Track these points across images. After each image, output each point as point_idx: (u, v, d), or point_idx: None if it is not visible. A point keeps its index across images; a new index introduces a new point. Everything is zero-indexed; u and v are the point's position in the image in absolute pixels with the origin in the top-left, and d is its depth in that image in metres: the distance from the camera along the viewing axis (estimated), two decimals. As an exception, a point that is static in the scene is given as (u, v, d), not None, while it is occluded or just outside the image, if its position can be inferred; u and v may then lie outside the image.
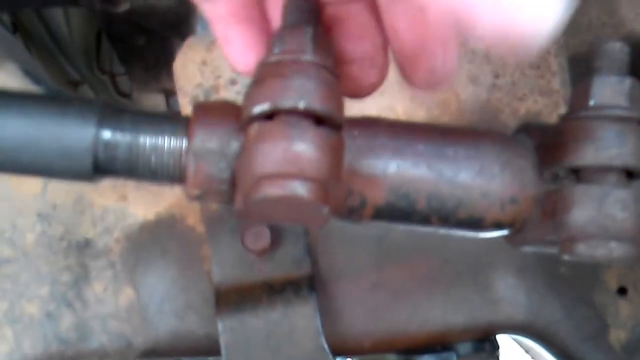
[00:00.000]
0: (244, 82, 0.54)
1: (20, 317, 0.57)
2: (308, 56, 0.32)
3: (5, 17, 0.99)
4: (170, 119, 0.35)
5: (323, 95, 0.31)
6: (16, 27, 1.06)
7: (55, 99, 0.35)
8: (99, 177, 0.35)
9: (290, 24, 0.33)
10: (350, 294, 0.55)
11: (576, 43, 0.62)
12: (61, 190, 0.58)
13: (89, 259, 0.57)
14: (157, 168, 0.34)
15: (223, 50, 0.38)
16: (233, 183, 0.34)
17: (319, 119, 0.31)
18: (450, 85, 0.54)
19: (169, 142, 0.34)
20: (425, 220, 0.35)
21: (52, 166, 0.34)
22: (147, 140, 0.34)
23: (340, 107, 0.32)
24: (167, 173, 0.35)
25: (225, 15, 0.36)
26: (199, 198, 0.34)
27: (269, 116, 0.32)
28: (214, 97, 0.54)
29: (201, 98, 0.54)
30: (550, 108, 0.54)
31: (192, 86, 0.55)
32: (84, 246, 0.58)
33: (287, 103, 0.31)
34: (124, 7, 1.17)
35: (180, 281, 0.57)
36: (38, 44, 1.11)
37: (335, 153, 0.32)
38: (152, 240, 0.57)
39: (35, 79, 0.59)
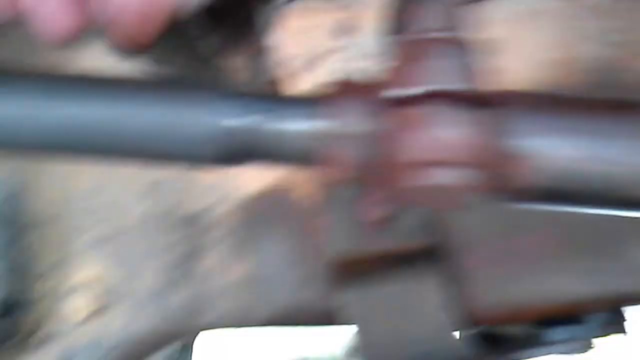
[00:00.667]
0: (348, 49, 0.53)
1: (130, 293, 0.58)
2: (451, 33, 0.31)
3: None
4: (300, 102, 0.34)
5: (473, 75, 0.30)
6: None
7: (182, 85, 0.35)
8: (231, 164, 0.35)
9: (429, 2, 0.32)
10: (477, 265, 0.53)
11: None
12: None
13: (197, 233, 0.57)
14: (289, 153, 0.34)
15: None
16: (372, 167, 0.33)
17: (470, 101, 0.30)
18: (569, 44, 0.52)
19: (300, 126, 0.34)
20: (582, 201, 0.34)
21: (181, 154, 0.34)
22: (279, 125, 0.34)
23: (488, 84, 0.31)
24: (302, 157, 0.34)
25: None
26: (336, 182, 0.34)
27: (415, 99, 0.30)
28: (317, 67, 0.53)
29: (303, 68, 0.53)
30: None
31: (293, 57, 0.54)
32: (192, 221, 0.57)
33: (432, 86, 0.30)
34: (203, -29, 1.15)
35: (293, 253, 0.56)
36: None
37: (487, 135, 0.30)
38: (261, 213, 0.56)
39: (129, 55, 0.57)
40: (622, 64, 0.51)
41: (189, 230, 0.57)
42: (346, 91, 0.34)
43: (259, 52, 1.32)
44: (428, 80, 0.30)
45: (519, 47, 0.52)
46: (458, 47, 0.31)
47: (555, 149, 0.32)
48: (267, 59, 1.34)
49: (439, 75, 0.30)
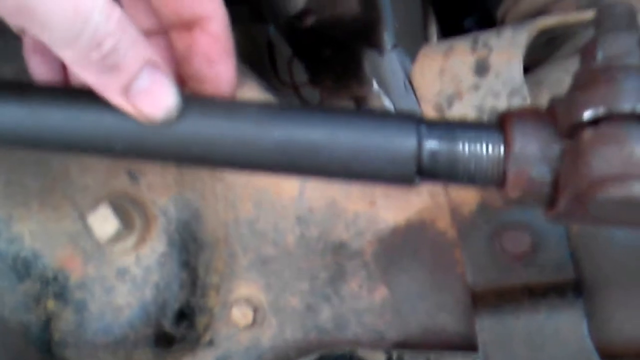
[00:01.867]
0: (487, 87, 0.55)
1: (284, 308, 0.64)
2: (636, 59, 0.34)
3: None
4: (484, 127, 0.39)
5: None
6: None
7: (376, 112, 0.41)
8: (421, 181, 0.40)
9: (611, 29, 0.35)
10: (618, 299, 0.55)
11: None
12: (316, 196, 0.63)
13: (344, 259, 0.63)
14: (476, 173, 0.38)
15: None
16: (554, 186, 0.36)
17: None
18: None
19: (487, 149, 0.38)
20: None
21: (379, 172, 0.40)
22: (466, 148, 0.38)
23: None
24: (486, 177, 0.38)
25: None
26: (518, 201, 0.37)
27: (601, 120, 0.33)
28: (457, 103, 0.56)
29: (444, 105, 0.56)
30: None
31: (433, 94, 0.56)
32: (339, 247, 0.63)
33: (623, 107, 0.33)
34: (310, 21, 1.23)
35: (432, 282, 0.60)
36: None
37: None
38: (403, 243, 0.61)
39: (274, 93, 0.65)
40: None
41: (336, 256, 0.63)
42: (524, 117, 0.38)
43: (364, 98, 1.38)
44: (617, 101, 0.33)
45: None
46: None
47: None
48: (373, 104, 1.38)
49: (629, 97, 0.33)
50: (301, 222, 0.64)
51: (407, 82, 1.31)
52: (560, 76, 0.59)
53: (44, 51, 0.49)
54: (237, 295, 0.65)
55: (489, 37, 0.55)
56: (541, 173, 0.36)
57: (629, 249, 0.55)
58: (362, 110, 0.43)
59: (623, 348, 0.55)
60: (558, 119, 0.36)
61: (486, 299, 0.55)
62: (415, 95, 0.59)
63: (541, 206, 0.39)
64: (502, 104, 0.54)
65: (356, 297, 0.62)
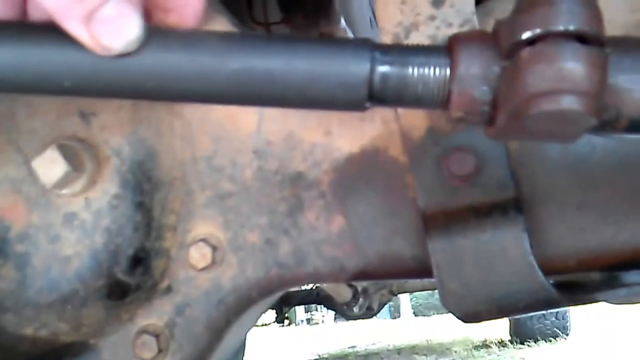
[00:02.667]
0: (442, 17, 0.57)
1: (243, 245, 0.64)
2: None
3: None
4: (433, 50, 0.40)
5: (589, 17, 0.35)
6: None
7: (331, 41, 0.42)
8: (371, 106, 0.41)
9: None
10: (555, 215, 0.57)
11: None
12: (273, 129, 0.63)
13: (301, 190, 0.63)
14: (423, 95, 0.40)
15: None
16: (495, 104, 0.38)
17: (585, 39, 0.35)
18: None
19: (434, 71, 0.39)
20: None
21: (332, 98, 0.41)
22: (414, 71, 0.39)
23: (602, 26, 0.36)
24: (432, 99, 0.40)
25: None
26: (461, 120, 0.39)
27: (536, 40, 0.35)
28: (414, 34, 0.57)
29: (402, 35, 0.57)
30: None
31: (392, 25, 0.57)
32: (296, 179, 0.63)
33: (557, 26, 0.35)
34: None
35: (387, 208, 0.61)
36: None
37: (601, 69, 0.35)
38: (359, 171, 0.62)
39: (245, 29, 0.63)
40: None
41: (294, 188, 0.63)
42: (470, 40, 0.39)
43: (332, 34, 1.36)
44: (552, 22, 0.35)
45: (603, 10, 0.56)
46: None
47: None
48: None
49: (563, 18, 0.35)
50: (259, 155, 0.64)
51: (372, 19, 1.29)
52: (508, 7, 0.59)
53: None
54: (195, 235, 0.65)
55: None
56: (482, 92, 0.38)
57: (563, 165, 0.57)
58: (320, 39, 0.44)
59: (562, 262, 0.57)
60: (500, 41, 0.38)
61: (436, 222, 0.56)
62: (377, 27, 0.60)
63: (483, 124, 0.41)
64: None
65: (314, 228, 0.63)
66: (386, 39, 0.58)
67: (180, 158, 0.65)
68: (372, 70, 0.40)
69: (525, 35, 0.36)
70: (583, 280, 0.60)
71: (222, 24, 0.63)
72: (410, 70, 0.39)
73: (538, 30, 0.35)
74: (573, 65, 0.34)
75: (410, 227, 0.60)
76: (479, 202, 0.56)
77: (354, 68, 0.40)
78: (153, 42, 0.43)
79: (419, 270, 0.60)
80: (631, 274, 0.55)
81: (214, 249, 0.64)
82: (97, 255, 0.63)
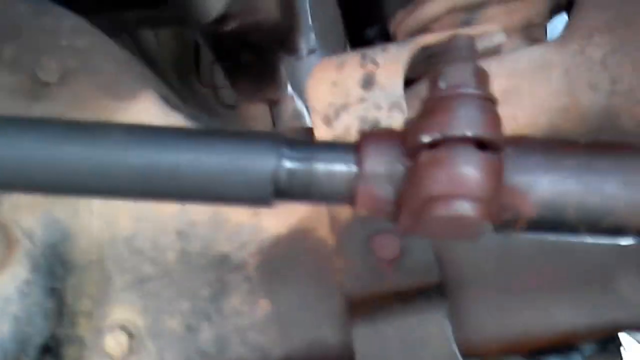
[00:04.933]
0: (372, 100, 0.57)
1: (162, 332, 0.61)
2: (471, 89, 0.37)
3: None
4: (341, 147, 0.40)
5: (486, 123, 0.36)
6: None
7: (238, 134, 0.41)
8: (276, 203, 0.40)
9: (453, 60, 0.38)
10: (478, 299, 0.57)
11: None
12: (198, 208, 0.62)
13: (226, 273, 0.61)
14: (329, 192, 0.40)
15: None
16: (398, 203, 0.38)
17: (482, 145, 0.36)
18: (571, 92, 0.57)
19: (340, 169, 0.39)
20: (573, 230, 0.39)
21: (238, 195, 0.40)
22: (321, 168, 0.39)
23: (500, 131, 0.37)
24: (338, 196, 0.40)
25: None
26: (366, 216, 0.41)
27: (437, 144, 0.36)
28: (344, 115, 0.57)
29: (332, 116, 0.57)
30: None
31: (323, 105, 0.58)
32: (221, 261, 0.61)
33: (454, 132, 0.36)
34: (231, 26, 1.21)
35: (314, 292, 0.59)
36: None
37: (496, 173, 0.36)
38: (286, 253, 0.60)
39: (173, 105, 0.61)
40: (618, 110, 0.56)
41: (219, 271, 0.61)
42: (378, 138, 0.40)
43: (278, 101, 1.36)
44: (450, 127, 0.36)
45: (528, 95, 0.57)
46: (477, 99, 0.37)
47: (547, 183, 0.38)
48: (286, 108, 1.38)
49: (461, 124, 0.36)
50: (182, 236, 0.62)
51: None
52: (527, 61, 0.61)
53: None
54: (112, 321, 0.62)
55: (375, 53, 0.58)
56: (387, 191, 0.38)
57: (486, 249, 0.57)
58: (227, 132, 0.43)
59: (484, 347, 0.57)
60: (407, 141, 0.39)
61: (362, 307, 0.55)
62: (307, 107, 0.60)
63: (390, 222, 0.41)
64: (383, 116, 0.57)
65: (238, 313, 0.61)
66: (316, 119, 0.58)
67: (98, 239, 0.63)
68: (278, 166, 0.39)
69: (426, 138, 0.37)
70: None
71: (148, 99, 0.62)
72: (317, 166, 0.40)
73: (437, 135, 0.36)
74: (468, 171, 0.35)
75: (337, 313, 0.58)
76: (404, 287, 0.55)
77: (260, 164, 0.39)
78: (53, 132, 0.41)
79: (346, 358, 0.57)
80: (551, 359, 0.54)
81: (131, 336, 0.60)
82: (3, 345, 0.60)
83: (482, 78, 0.38)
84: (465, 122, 0.36)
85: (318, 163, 0.39)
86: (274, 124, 1.32)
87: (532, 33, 0.63)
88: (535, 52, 0.57)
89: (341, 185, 0.39)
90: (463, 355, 0.53)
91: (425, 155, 0.36)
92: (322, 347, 0.58)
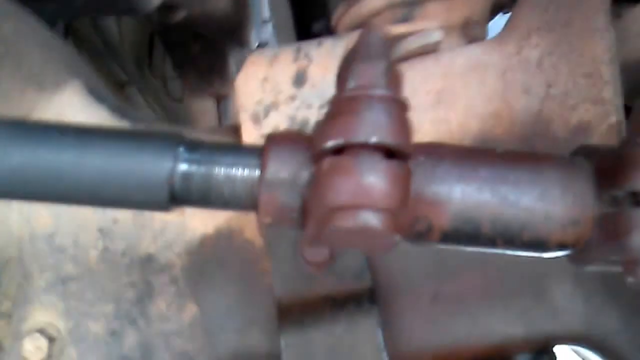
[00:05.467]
0: (303, 98, 0.56)
1: (85, 336, 0.59)
2: (380, 90, 0.34)
3: (59, 23, 1.01)
4: (244, 151, 0.38)
5: (393, 128, 0.34)
6: (68, 32, 1.08)
7: (134, 133, 0.38)
8: (174, 207, 0.38)
9: (363, 59, 0.35)
10: (409, 307, 0.55)
11: (627, 51, 0.62)
12: None
13: (151, 275, 0.59)
14: (230, 198, 0.37)
15: None
16: (304, 211, 0.36)
17: (388, 151, 0.33)
18: (504, 96, 0.55)
19: (242, 173, 0.36)
20: (490, 242, 0.37)
21: (130, 198, 0.37)
22: (221, 172, 0.37)
23: (408, 137, 0.35)
24: (240, 202, 0.37)
25: None
26: (270, 225, 0.37)
27: (341, 150, 0.34)
28: (273, 113, 0.55)
29: (261, 114, 0.56)
30: (600, 117, 0.54)
31: (252, 102, 0.56)
32: (146, 261, 0.59)
33: (358, 138, 0.33)
34: (180, 16, 1.18)
35: (242, 296, 0.57)
36: (88, 47, 1.13)
37: (404, 183, 0.34)
38: (213, 254, 0.58)
39: (99, 97, 0.58)
40: (551, 115, 0.55)
41: (144, 272, 0.58)
42: (284, 141, 0.37)
43: (226, 96, 1.33)
44: (354, 133, 0.33)
45: (461, 98, 0.56)
46: (385, 102, 0.34)
47: (460, 194, 0.36)
48: (233, 102, 1.35)
49: (366, 129, 0.33)
50: (104, 234, 0.59)
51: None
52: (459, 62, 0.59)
53: None
54: (32, 324, 0.59)
55: (310, 47, 0.56)
56: (290, 198, 0.36)
57: (419, 255, 0.56)
58: (123, 131, 0.40)
59: (416, 357, 0.55)
60: (313, 146, 0.36)
61: (291, 312, 0.53)
62: (235, 103, 0.58)
63: (297, 230, 0.38)
64: (313, 115, 0.55)
65: (164, 318, 0.58)
66: (245, 117, 0.55)
67: (18, 236, 0.59)
68: (174, 169, 0.36)
69: (329, 144, 0.34)
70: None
71: (73, 91, 0.59)
72: (216, 170, 0.37)
73: (341, 140, 0.34)
74: (372, 180, 0.33)
75: (266, 317, 0.56)
76: (334, 291, 0.53)
77: (154, 166, 0.36)
78: None
79: None
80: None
81: (52, 340, 0.57)
82: None
83: (393, 79, 0.35)
84: (371, 128, 0.33)
85: (217, 166, 0.37)
86: (220, 119, 1.30)
87: (472, 31, 0.62)
88: (472, 52, 0.56)
89: (242, 191, 0.36)
90: None
91: (328, 162, 0.34)
92: (249, 353, 0.56)
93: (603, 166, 0.37)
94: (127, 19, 1.30)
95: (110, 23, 1.25)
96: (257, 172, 0.36)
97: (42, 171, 0.37)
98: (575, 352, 0.66)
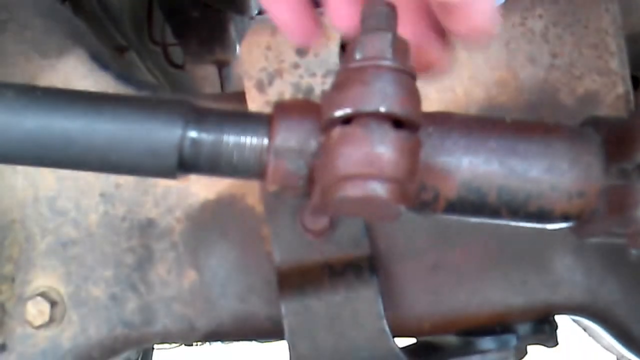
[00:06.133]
0: (306, 66, 0.56)
1: (86, 301, 0.59)
2: (388, 61, 0.34)
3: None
4: (252, 118, 0.38)
5: (402, 98, 0.33)
6: None
7: (144, 100, 0.38)
8: (182, 174, 0.38)
9: (370, 29, 0.35)
10: (410, 275, 0.56)
11: (633, 22, 0.61)
12: None
13: (152, 240, 0.59)
14: (238, 165, 0.37)
15: (329, 11, 0.40)
16: (310, 179, 0.36)
17: (397, 121, 0.33)
18: (509, 64, 0.56)
19: (250, 141, 0.37)
20: (495, 213, 0.38)
21: (139, 164, 0.37)
22: (230, 139, 0.37)
23: (418, 107, 0.34)
24: (248, 169, 0.37)
25: None
26: (277, 192, 0.37)
27: (350, 119, 0.34)
28: (278, 81, 0.56)
29: (265, 82, 0.56)
30: (608, 88, 0.54)
31: (256, 70, 0.56)
32: (147, 226, 0.59)
33: (368, 107, 0.33)
34: (180, -20, 1.16)
35: (242, 262, 0.58)
36: (87, 12, 1.12)
37: (413, 153, 0.34)
38: (213, 220, 0.58)
39: (102, 64, 0.58)
40: (557, 84, 0.55)
41: (144, 237, 0.59)
42: (292, 110, 0.37)
43: (228, 62, 1.32)
44: (363, 102, 0.33)
45: (466, 66, 0.56)
46: (394, 73, 0.34)
47: (468, 164, 0.36)
48: (235, 69, 1.34)
49: (375, 99, 0.33)
50: (106, 198, 0.59)
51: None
52: None
53: None
54: (34, 287, 0.59)
55: None
56: (297, 167, 0.36)
57: (419, 223, 0.56)
58: (132, 98, 0.41)
59: (416, 325, 0.56)
60: (322, 115, 0.36)
61: (291, 280, 0.54)
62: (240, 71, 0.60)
63: (302, 198, 0.39)
64: (317, 83, 0.55)
65: (164, 283, 0.59)
66: (249, 84, 0.56)
67: (21, 198, 0.60)
68: (183, 136, 0.37)
69: (338, 113, 0.34)
70: (442, 342, 0.57)
71: (80, 58, 0.59)
72: (225, 137, 0.37)
73: (350, 110, 0.33)
74: (381, 150, 0.33)
75: (266, 284, 0.57)
76: (333, 259, 0.53)
77: (163, 133, 0.37)
78: None
79: (274, 332, 0.56)
80: (485, 340, 0.54)
81: (53, 304, 0.58)
82: None
83: (401, 49, 0.35)
84: (380, 97, 0.33)
85: (227, 134, 0.37)
86: (222, 86, 1.29)
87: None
88: None
89: (251, 158, 0.36)
90: (395, 332, 0.52)
91: (337, 132, 0.34)
92: (250, 320, 0.57)
93: (612, 138, 0.37)
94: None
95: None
96: (265, 140, 0.36)
97: (54, 136, 0.37)
98: (576, 322, 0.67)
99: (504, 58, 0.55)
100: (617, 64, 0.53)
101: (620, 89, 0.53)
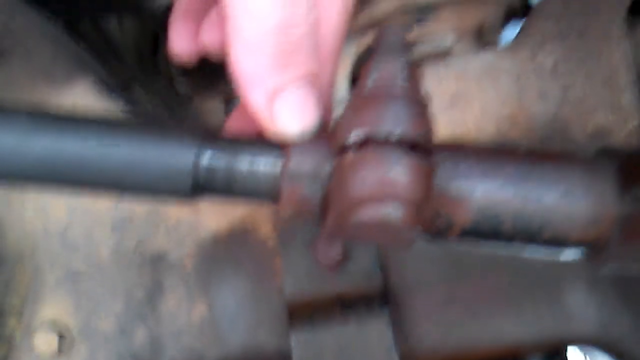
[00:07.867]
0: None
1: (95, 333, 0.59)
2: (401, 86, 0.35)
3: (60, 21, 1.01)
4: (265, 144, 0.38)
5: (416, 122, 0.34)
6: (66, 29, 1.08)
7: (160, 126, 0.39)
8: (198, 197, 0.38)
9: (383, 55, 0.36)
10: (422, 308, 0.56)
11: None
12: (135, 202, 0.60)
13: (162, 273, 0.59)
14: (253, 190, 0.37)
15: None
16: (324, 204, 0.36)
17: (411, 146, 0.34)
18: (520, 99, 0.56)
19: (265, 163, 0.37)
20: (509, 240, 0.38)
21: (155, 187, 0.38)
22: (245, 164, 0.37)
23: (431, 132, 0.35)
24: (262, 194, 0.37)
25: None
26: (291, 217, 0.37)
27: (363, 143, 0.34)
28: None
29: None
30: (619, 123, 0.55)
31: None
32: (158, 259, 0.59)
33: (381, 131, 0.33)
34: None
35: (253, 295, 0.58)
36: (90, 46, 1.13)
37: (426, 177, 0.34)
38: (225, 252, 0.58)
39: (110, 93, 0.58)
40: (568, 120, 0.55)
41: (155, 269, 0.59)
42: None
43: (232, 96, 1.34)
44: (377, 126, 0.34)
45: (477, 100, 0.56)
46: (407, 98, 0.35)
47: (482, 191, 0.36)
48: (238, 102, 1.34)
49: (388, 123, 0.34)
50: (117, 231, 0.60)
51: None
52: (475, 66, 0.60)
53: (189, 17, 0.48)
54: (42, 319, 0.60)
55: None
56: (312, 191, 0.36)
57: (431, 257, 0.56)
58: (148, 122, 0.40)
59: (427, 358, 0.55)
60: (335, 139, 0.37)
61: (301, 312, 0.54)
62: None
63: (316, 224, 0.39)
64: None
65: (174, 316, 0.59)
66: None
67: (31, 231, 0.59)
68: (198, 161, 0.37)
69: (352, 137, 0.34)
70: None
71: (85, 85, 0.61)
72: (239, 163, 0.37)
73: (363, 134, 0.34)
74: (395, 173, 0.33)
75: (276, 317, 0.57)
76: (345, 292, 0.53)
77: (178, 157, 0.37)
78: None
79: None
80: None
81: (62, 336, 0.57)
82: None
83: (412, 75, 0.35)
84: (394, 121, 0.33)
85: (241, 158, 0.37)
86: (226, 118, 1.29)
87: (484, 37, 0.63)
88: (485, 57, 0.57)
89: (265, 183, 0.37)
90: None
91: (350, 156, 0.34)
92: (259, 352, 0.57)
93: (626, 166, 0.37)
94: (129, 18, 1.30)
95: (112, 19, 1.25)
96: (279, 163, 0.37)
97: (67, 159, 0.37)
98: (582, 350, 0.66)
99: (515, 92, 0.56)
100: (629, 99, 0.54)
101: (631, 125, 0.54)
